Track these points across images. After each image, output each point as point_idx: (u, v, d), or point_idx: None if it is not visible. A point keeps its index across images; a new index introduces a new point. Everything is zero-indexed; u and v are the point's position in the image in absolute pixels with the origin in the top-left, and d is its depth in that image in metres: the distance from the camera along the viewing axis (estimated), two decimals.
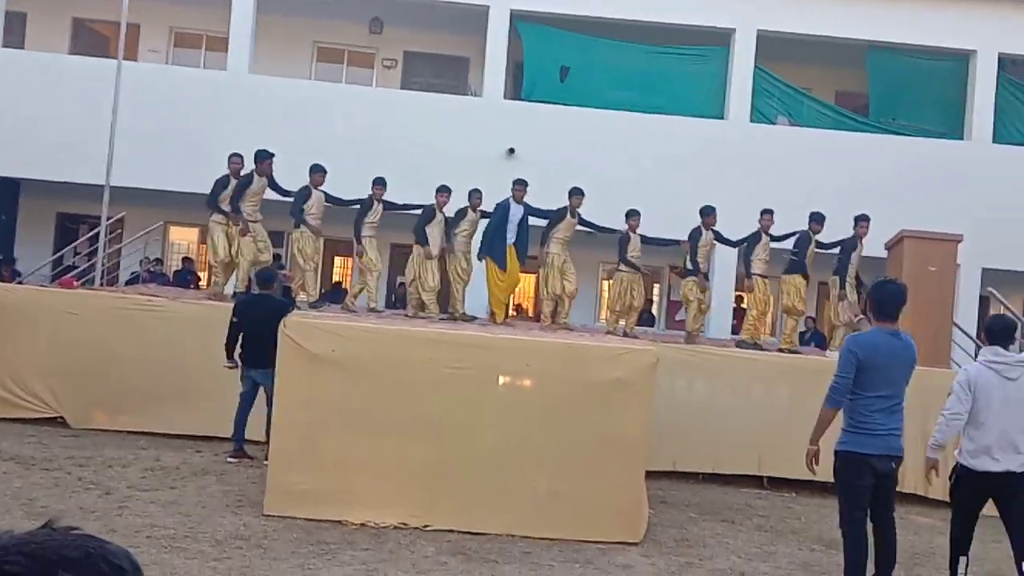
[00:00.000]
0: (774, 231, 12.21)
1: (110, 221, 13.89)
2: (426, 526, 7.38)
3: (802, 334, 16.94)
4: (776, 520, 9.09)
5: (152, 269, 16.55)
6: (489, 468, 7.56)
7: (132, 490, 7.93)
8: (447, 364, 7.65)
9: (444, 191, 12.26)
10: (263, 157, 11.71)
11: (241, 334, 9.38)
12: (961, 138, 17.07)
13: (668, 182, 14.91)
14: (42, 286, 12.67)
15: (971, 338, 13.90)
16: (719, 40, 17.13)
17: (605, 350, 8.17)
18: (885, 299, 6.01)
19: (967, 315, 14.97)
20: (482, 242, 12.40)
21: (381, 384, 7.59)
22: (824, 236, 12.24)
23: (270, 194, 12.12)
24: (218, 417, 9.97)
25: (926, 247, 11.52)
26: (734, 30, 16.87)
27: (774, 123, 17.33)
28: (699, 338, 12.50)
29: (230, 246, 11.74)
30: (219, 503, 7.74)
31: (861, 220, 12.10)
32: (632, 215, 12.37)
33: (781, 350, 11.85)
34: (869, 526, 6.01)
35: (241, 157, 11.76)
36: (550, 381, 7.75)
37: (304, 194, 11.94)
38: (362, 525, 7.31)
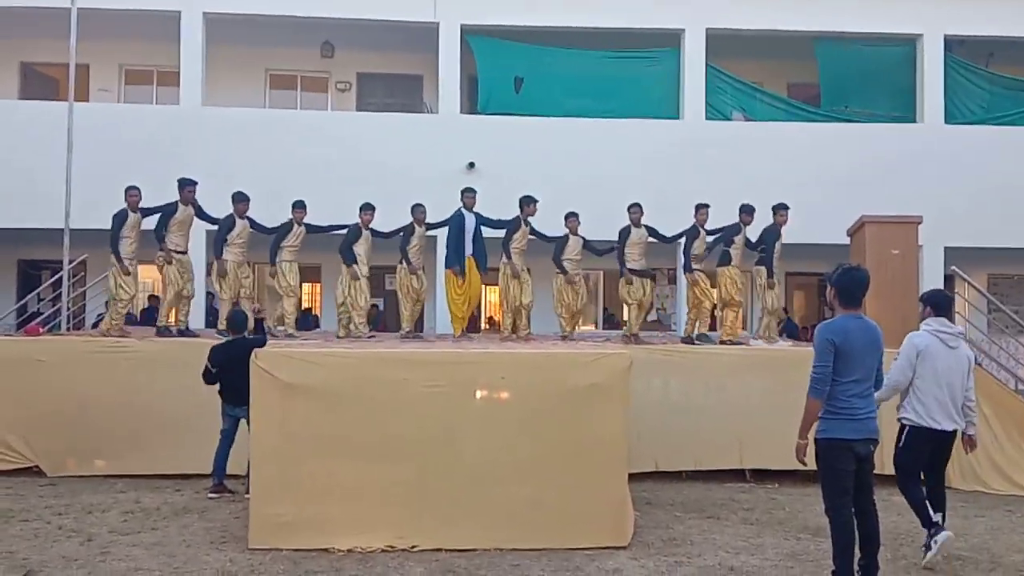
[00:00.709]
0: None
1: (72, 265, 13.76)
2: (413, 547, 7.35)
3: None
4: (761, 512, 9.14)
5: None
6: (472, 484, 7.54)
7: (114, 535, 7.84)
8: (422, 383, 7.63)
9: (368, 209, 12.27)
10: (184, 185, 11.47)
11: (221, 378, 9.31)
12: (914, 121, 17.29)
13: (629, 185, 14.93)
14: (7, 335, 12.52)
15: None
16: (669, 41, 17.28)
17: (578, 356, 8.19)
18: (851, 286, 6.09)
19: None
20: (446, 255, 12.40)
21: (357, 408, 7.55)
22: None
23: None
24: (196, 455, 9.89)
25: (887, 231, 11.65)
26: (683, 30, 17.04)
27: (729, 119, 17.47)
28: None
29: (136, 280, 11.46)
30: (203, 541, 7.66)
31: (780, 209, 12.06)
32: (571, 217, 12.34)
33: (723, 342, 11.84)
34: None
35: (138, 190, 11.39)
36: (526, 392, 7.75)
37: (227, 224, 11.75)
38: (349, 551, 7.27)
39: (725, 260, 12.00)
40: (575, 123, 16.64)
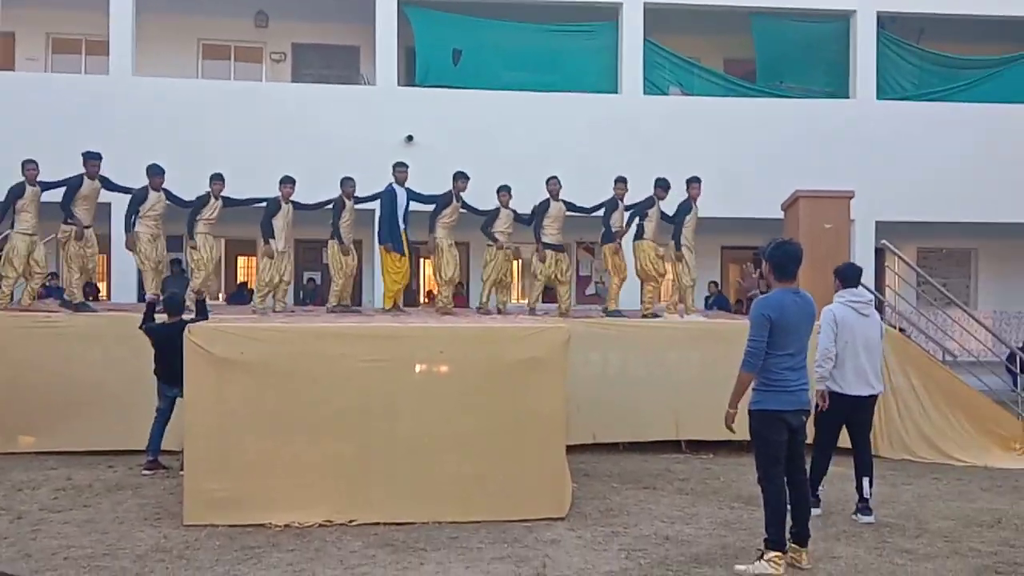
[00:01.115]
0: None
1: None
2: (351, 521, 7.34)
3: (706, 299, 17.33)
4: (696, 482, 9.28)
5: (48, 284, 16.03)
6: (410, 458, 7.54)
7: (45, 512, 7.71)
8: (360, 358, 7.58)
9: (287, 182, 12.08)
10: (89, 158, 11.16)
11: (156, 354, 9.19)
12: (847, 97, 17.54)
13: (568, 159, 14.99)
14: None
15: (869, 290, 14.30)
16: (607, 15, 17.28)
17: (517, 331, 8.20)
18: (786, 260, 6.20)
19: (864, 268, 15.41)
20: (379, 231, 12.30)
21: (294, 383, 7.49)
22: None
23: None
24: (129, 431, 9.76)
25: (820, 205, 11.83)
26: (621, 4, 17.03)
27: (667, 94, 17.56)
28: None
29: (29, 255, 11.15)
30: (137, 517, 7.57)
31: (692, 182, 11.99)
32: (502, 190, 12.31)
33: (644, 316, 11.93)
34: None
35: (35, 163, 11.13)
36: (465, 366, 7.75)
37: (140, 196, 11.48)
38: (286, 526, 7.23)
39: (639, 234, 12.04)
40: (513, 96, 16.59)
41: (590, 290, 18.87)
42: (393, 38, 16.64)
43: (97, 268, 11.69)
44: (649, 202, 11.90)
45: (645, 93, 17.15)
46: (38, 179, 11.13)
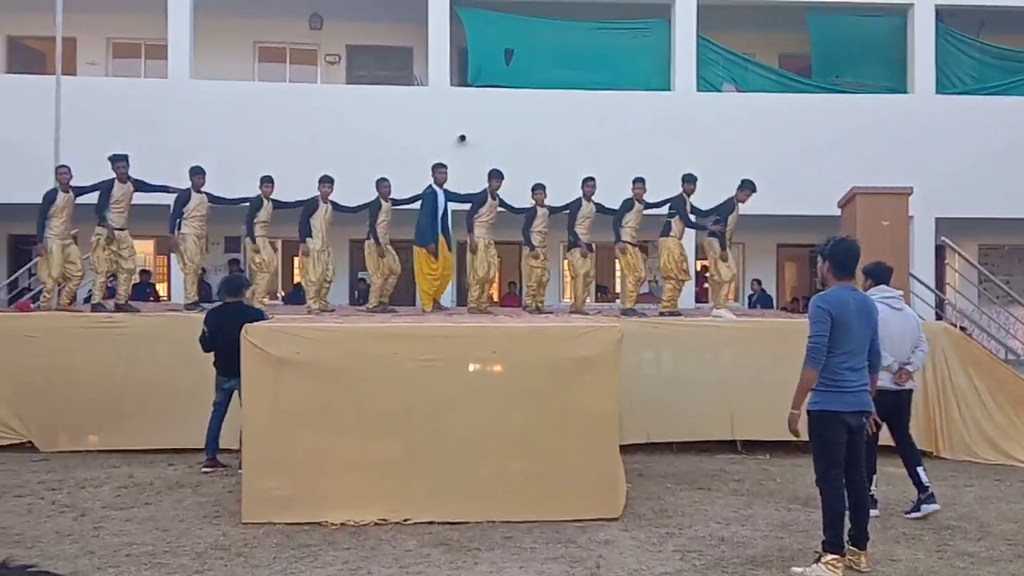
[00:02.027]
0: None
1: None
2: (406, 520, 7.38)
3: (749, 296, 17.20)
4: (752, 483, 9.19)
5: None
6: (464, 457, 7.56)
7: (107, 510, 7.86)
8: (413, 357, 7.63)
9: (326, 181, 12.25)
10: (115, 161, 11.37)
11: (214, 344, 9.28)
12: (905, 92, 17.24)
13: (621, 157, 14.92)
14: None
15: (929, 288, 14.11)
16: (659, 12, 17.18)
17: (569, 330, 8.19)
18: (845, 257, 6.14)
19: (924, 266, 15.20)
20: (417, 231, 12.35)
21: (349, 382, 7.56)
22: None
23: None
24: (189, 429, 9.90)
25: (878, 202, 11.66)
26: (673, 1, 16.92)
27: (721, 91, 17.41)
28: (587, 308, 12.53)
29: (65, 259, 11.46)
30: (196, 515, 7.68)
31: (742, 187, 11.89)
32: (537, 189, 12.37)
33: (662, 314, 11.91)
34: None
35: (68, 168, 11.44)
36: (517, 365, 7.75)
37: (184, 198, 11.75)
38: (342, 525, 7.29)
39: (666, 231, 12.00)
40: (566, 95, 16.57)
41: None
42: (446, 39, 16.71)
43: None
44: (680, 199, 11.84)
45: (698, 90, 17.02)
46: (71, 183, 11.38)
